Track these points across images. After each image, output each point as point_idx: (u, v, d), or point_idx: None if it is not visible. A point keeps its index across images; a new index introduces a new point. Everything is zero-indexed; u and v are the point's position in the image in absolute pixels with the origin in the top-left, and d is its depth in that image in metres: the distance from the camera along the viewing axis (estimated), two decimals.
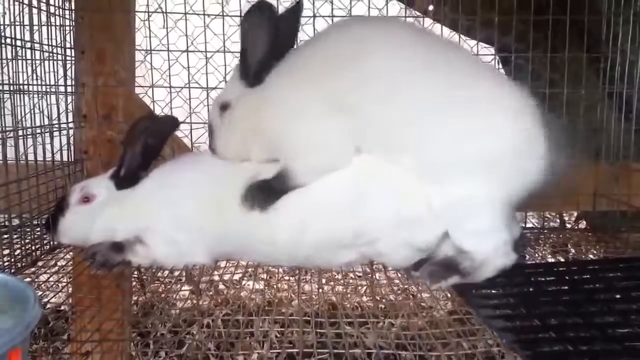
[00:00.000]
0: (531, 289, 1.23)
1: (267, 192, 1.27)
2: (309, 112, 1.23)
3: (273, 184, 1.27)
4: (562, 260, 1.63)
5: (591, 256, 1.72)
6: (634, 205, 1.79)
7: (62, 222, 1.40)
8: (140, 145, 1.37)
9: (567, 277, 1.29)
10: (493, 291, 1.21)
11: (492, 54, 2.00)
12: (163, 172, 1.42)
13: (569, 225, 2.06)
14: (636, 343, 0.99)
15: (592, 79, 1.98)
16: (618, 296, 1.20)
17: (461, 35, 1.95)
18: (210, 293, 1.76)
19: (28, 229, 1.65)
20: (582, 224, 2.10)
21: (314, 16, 1.89)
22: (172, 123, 1.48)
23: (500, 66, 2.06)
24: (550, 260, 1.65)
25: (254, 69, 1.29)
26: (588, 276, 1.31)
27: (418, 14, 2.13)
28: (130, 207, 1.37)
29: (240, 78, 1.32)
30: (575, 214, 2.21)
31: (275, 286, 1.53)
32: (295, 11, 1.35)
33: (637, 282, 1.27)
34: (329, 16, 1.90)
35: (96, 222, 1.38)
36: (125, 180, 1.40)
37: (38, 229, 1.67)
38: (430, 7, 2.19)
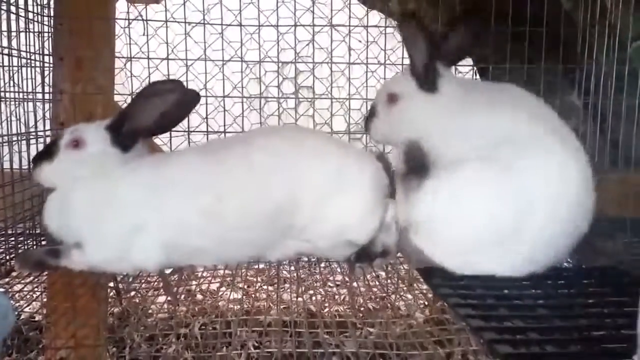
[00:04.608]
0: (507, 292, 1.25)
1: None
2: None
3: None
4: None
5: (565, 264, 1.74)
6: (607, 214, 1.82)
7: (48, 166, 1.31)
8: (164, 107, 1.25)
9: (542, 282, 1.31)
10: (472, 292, 1.23)
11: (470, 65, 2.03)
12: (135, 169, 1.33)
13: None
14: (610, 345, 1.00)
15: (568, 90, 2.02)
16: (593, 301, 1.22)
17: None
18: (187, 303, 1.74)
19: (2, 239, 1.62)
20: None
21: (295, 25, 1.91)
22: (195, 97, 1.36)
23: (478, 77, 2.10)
24: None
25: (424, 70, 1.40)
26: (563, 282, 1.33)
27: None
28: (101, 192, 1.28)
29: (411, 75, 1.42)
30: None
31: (253, 295, 1.53)
32: None
33: (610, 288, 1.29)
34: (309, 25, 1.92)
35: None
36: (126, 138, 1.30)
37: (12, 238, 1.64)
38: None
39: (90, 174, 1.30)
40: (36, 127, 1.82)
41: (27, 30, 1.79)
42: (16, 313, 1.34)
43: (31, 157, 1.72)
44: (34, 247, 1.65)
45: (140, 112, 1.29)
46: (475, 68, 2.06)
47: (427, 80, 1.40)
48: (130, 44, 1.90)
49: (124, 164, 1.32)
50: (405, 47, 1.43)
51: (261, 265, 1.57)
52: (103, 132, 1.32)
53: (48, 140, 1.83)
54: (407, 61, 1.94)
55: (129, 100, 1.90)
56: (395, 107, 1.44)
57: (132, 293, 1.49)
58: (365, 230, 1.35)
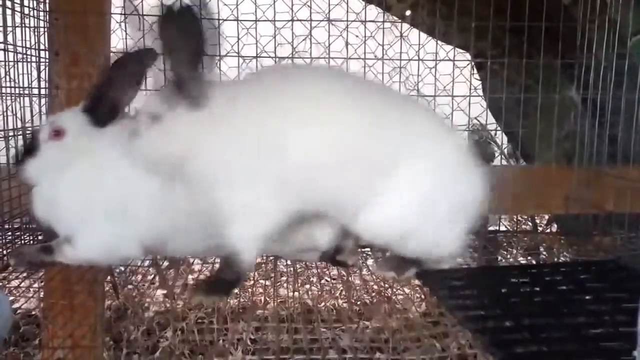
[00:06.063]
0: (504, 290, 1.24)
1: None
2: None
3: None
4: (534, 262, 1.65)
5: (563, 259, 1.74)
6: (605, 209, 1.82)
7: (33, 163, 1.25)
8: (135, 76, 1.23)
9: (539, 279, 1.30)
10: (467, 292, 1.22)
11: (467, 60, 2.02)
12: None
13: (540, 228, 2.08)
14: (609, 343, 0.99)
15: (566, 85, 2.01)
16: (590, 297, 1.22)
17: (438, 41, 1.97)
18: (184, 297, 1.74)
19: None
20: (554, 227, 2.13)
21: (292, 20, 1.90)
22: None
23: (476, 71, 2.09)
24: (523, 262, 1.67)
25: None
26: (560, 278, 1.32)
27: (395, 18, 2.14)
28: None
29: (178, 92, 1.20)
30: (547, 217, 2.24)
31: (250, 289, 1.53)
32: None
33: (609, 284, 1.28)
34: (307, 20, 1.91)
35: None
36: (105, 115, 1.25)
37: (9, 233, 1.64)
38: (408, 12, 2.22)
39: (76, 161, 1.26)
40: (32, 123, 1.81)
41: (23, 25, 1.78)
42: (13, 308, 1.33)
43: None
44: (31, 242, 1.65)
45: (119, 85, 1.25)
46: (472, 63, 2.05)
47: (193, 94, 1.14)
48: (126, 38, 1.89)
49: (110, 142, 1.27)
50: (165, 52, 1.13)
51: (257, 260, 1.57)
52: (80, 116, 1.28)
53: None
54: (405, 56, 1.95)
55: None
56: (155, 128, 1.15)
57: (130, 287, 1.49)
58: (331, 239, 1.35)
